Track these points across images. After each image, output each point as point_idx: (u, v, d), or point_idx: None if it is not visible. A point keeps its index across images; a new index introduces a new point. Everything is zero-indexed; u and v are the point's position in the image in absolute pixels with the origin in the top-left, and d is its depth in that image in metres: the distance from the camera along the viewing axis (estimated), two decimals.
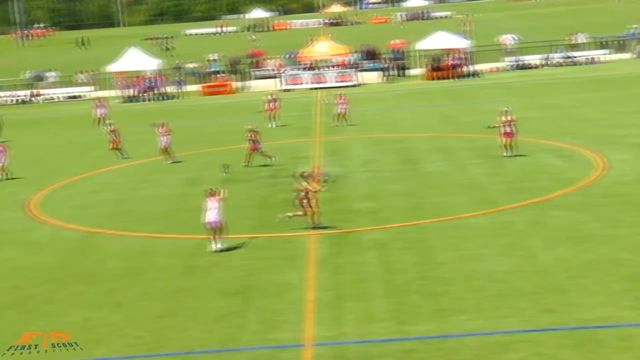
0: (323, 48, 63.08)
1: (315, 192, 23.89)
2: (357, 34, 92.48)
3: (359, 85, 58.38)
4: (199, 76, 64.88)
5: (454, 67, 59.50)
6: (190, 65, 67.88)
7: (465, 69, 59.84)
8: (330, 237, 23.39)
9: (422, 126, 40.53)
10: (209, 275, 20.78)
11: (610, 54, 63.53)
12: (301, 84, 59.18)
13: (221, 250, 22.38)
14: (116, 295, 19.69)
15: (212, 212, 22.43)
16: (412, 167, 31.62)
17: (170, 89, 60.68)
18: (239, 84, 62.26)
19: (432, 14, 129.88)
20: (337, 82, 58.35)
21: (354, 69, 60.32)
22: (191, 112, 52.43)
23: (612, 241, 21.15)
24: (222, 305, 18.64)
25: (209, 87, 61.08)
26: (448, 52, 61.41)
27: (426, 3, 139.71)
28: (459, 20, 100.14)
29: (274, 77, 61.50)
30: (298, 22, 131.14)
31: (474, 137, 36.25)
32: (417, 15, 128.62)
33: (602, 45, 65.49)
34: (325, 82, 58.72)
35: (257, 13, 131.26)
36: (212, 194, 22.73)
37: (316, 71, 60.63)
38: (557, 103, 44.18)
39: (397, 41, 69.75)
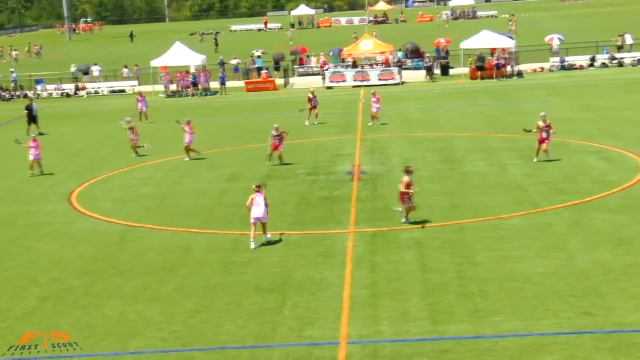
0: (367, 46, 63.03)
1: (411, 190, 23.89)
2: (402, 32, 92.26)
3: (402, 83, 58.24)
4: (242, 72, 65.17)
5: (497, 66, 59.12)
6: (234, 61, 68.18)
7: (509, 68, 59.44)
8: (368, 235, 23.36)
9: (463, 126, 40.33)
10: (245, 271, 20.85)
11: None
12: (344, 81, 59.17)
13: (261, 245, 22.47)
14: (153, 290, 19.84)
15: (258, 207, 22.52)
16: (452, 167, 31.47)
17: (213, 85, 61.00)
18: (282, 80, 62.40)
19: (478, 13, 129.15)
20: (379, 80, 58.28)
21: (397, 67, 60.17)
22: (233, 107, 52.70)
23: None
24: (257, 301, 18.69)
25: (251, 83, 61.32)
26: (492, 51, 61.04)
27: (472, 2, 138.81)
28: (505, 19, 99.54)
29: (317, 74, 61.55)
30: (343, 19, 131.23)
31: (515, 137, 35.97)
32: (463, 14, 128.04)
33: None
34: (368, 80, 58.64)
35: (302, 10, 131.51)
36: (258, 189, 22.79)
37: (359, 69, 60.58)
38: (601, 104, 43.71)
39: (442, 40, 69.46)
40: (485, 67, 59.37)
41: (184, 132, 35.22)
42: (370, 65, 61.61)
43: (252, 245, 22.47)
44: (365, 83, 57.84)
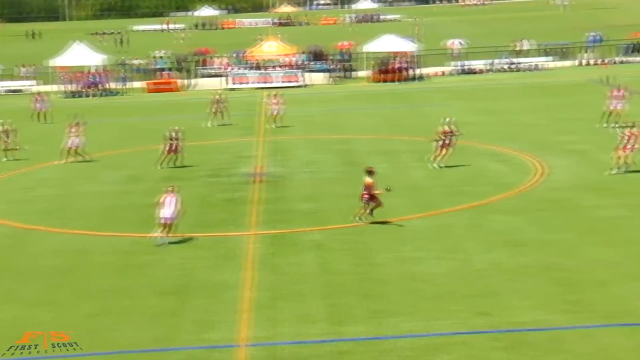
0: (270, 48, 62.98)
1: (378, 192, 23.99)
2: (306, 35, 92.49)
3: (305, 86, 58.39)
4: (144, 73, 64.34)
5: (400, 70, 59.74)
6: (136, 62, 67.27)
7: (411, 72, 60.15)
8: (269, 237, 23.33)
9: (366, 128, 40.64)
10: (145, 274, 20.59)
11: (553, 61, 64.34)
12: (247, 83, 58.97)
13: (161, 245, 22.32)
14: (49, 294, 19.41)
15: (169, 207, 22.45)
16: (353, 169, 31.58)
17: (114, 85, 60.07)
18: (185, 81, 61.87)
19: (382, 17, 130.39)
20: (283, 82, 58.27)
21: (300, 70, 60.29)
22: (134, 108, 51.96)
23: (545, 246, 21.42)
24: (157, 304, 18.49)
25: (153, 84, 60.57)
26: (395, 55, 61.68)
27: (375, 5, 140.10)
28: (409, 23, 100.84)
29: (220, 75, 61.24)
30: (247, 21, 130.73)
31: (416, 140, 36.44)
32: (366, 18, 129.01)
33: (546, 52, 66.30)
34: (272, 82, 58.58)
35: (206, 11, 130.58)
36: (172, 191, 22.77)
37: (262, 71, 60.49)
38: (499, 108, 44.61)
39: (345, 43, 69.90)
40: (388, 70, 59.97)
41: (69, 134, 34.24)
42: (274, 67, 61.59)
43: (158, 242, 22.42)
44: (268, 85, 57.74)
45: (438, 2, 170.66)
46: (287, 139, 38.53)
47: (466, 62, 63.58)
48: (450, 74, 62.26)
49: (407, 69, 60.03)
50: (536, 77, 58.06)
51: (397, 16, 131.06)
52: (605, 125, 35.96)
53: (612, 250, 20.85)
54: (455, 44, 68.04)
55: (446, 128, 30.67)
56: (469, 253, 21.24)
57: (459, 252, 21.30)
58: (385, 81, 58.74)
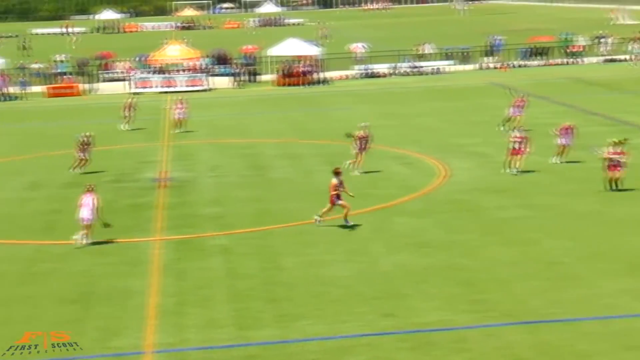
0: (174, 52, 62.42)
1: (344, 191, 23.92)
2: (210, 39, 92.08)
3: (210, 90, 58.10)
4: (44, 77, 63.03)
5: (304, 73, 59.99)
6: (35, 66, 65.86)
7: (315, 76, 60.44)
8: (175, 242, 23.17)
9: (271, 132, 40.68)
10: (48, 282, 20.21)
11: (455, 64, 65.51)
12: (151, 87, 58.31)
13: (84, 246, 22.44)
14: None
15: (85, 208, 22.30)
16: (259, 173, 31.70)
17: (13, 90, 58.67)
18: (87, 86, 60.85)
19: (285, 21, 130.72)
20: (187, 86, 57.88)
21: (204, 74, 59.98)
22: (35, 113, 50.85)
23: (449, 247, 21.81)
24: (60, 313, 18.18)
25: (54, 88, 59.39)
26: (299, 58, 61.90)
27: (279, 9, 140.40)
28: (316, 27, 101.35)
29: (123, 79, 60.44)
30: (149, 24, 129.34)
31: (322, 143, 36.69)
32: (270, 22, 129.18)
33: (448, 56, 67.44)
34: (176, 86, 58.09)
35: (107, 14, 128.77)
36: (89, 190, 22.77)
37: (166, 75, 59.94)
38: (403, 112, 45.18)
39: (249, 47, 69.81)
40: (292, 74, 60.14)
41: None
42: (178, 71, 61.09)
43: (81, 243, 22.49)
44: (172, 89, 57.25)
45: (341, 6, 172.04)
46: (191, 143, 38.29)
47: (370, 66, 64.18)
48: (354, 77, 62.76)
49: (311, 73, 60.30)
50: (438, 81, 59.01)
51: (301, 20, 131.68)
52: (502, 128, 36.72)
53: (512, 250, 21.36)
54: (358, 47, 68.63)
55: (362, 133, 30.81)
56: (375, 255, 21.48)
57: (365, 255, 21.53)
58: (289, 85, 58.88)
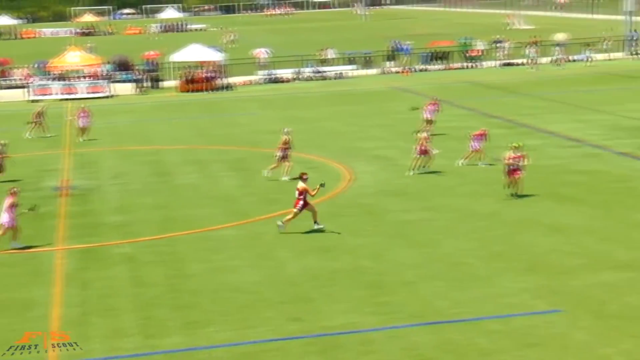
0: (74, 58, 61.33)
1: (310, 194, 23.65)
2: (111, 45, 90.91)
3: (112, 96, 57.32)
4: None
5: (207, 79, 59.72)
6: None
7: (219, 81, 60.23)
8: (78, 252, 22.81)
9: (175, 138, 40.37)
10: None
11: (357, 69, 66.10)
12: (50, 94, 57.20)
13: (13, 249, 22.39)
14: None
15: (6, 212, 22.30)
16: (163, 180, 31.44)
17: None
18: None
19: (188, 26, 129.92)
20: (88, 93, 56.99)
21: (106, 80, 59.14)
22: None
23: (355, 250, 22.02)
24: None
25: None
26: (202, 64, 61.60)
27: (181, 15, 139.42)
28: (221, 32, 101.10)
29: (22, 87, 59.12)
30: (48, 30, 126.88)
31: (227, 149, 36.60)
32: (172, 27, 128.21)
33: (350, 61, 68.01)
34: (76, 92, 57.17)
35: (3, 20, 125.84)
36: (12, 193, 22.83)
37: (66, 82, 58.87)
38: (307, 116, 45.40)
39: (151, 52, 69.11)
40: (196, 79, 59.80)
41: None
42: (79, 77, 60.08)
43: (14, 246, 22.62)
44: (73, 96, 56.31)
45: (244, 11, 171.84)
46: (94, 151, 37.72)
47: (273, 71, 64.31)
48: (258, 82, 62.79)
49: (214, 79, 60.08)
50: (341, 85, 59.48)
51: (204, 25, 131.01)
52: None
53: (416, 252, 21.69)
54: (262, 53, 68.68)
55: (286, 138, 30.64)
56: (281, 260, 21.54)
57: (272, 260, 21.57)
58: (193, 91, 58.54)
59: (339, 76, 64.07)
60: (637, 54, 66.51)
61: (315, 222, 23.82)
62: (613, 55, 67.75)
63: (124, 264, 21.59)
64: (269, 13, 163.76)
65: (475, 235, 22.88)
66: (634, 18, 71.54)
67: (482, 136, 31.08)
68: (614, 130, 37.41)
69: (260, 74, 63.99)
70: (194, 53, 61.54)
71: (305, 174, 24.33)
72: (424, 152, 30.15)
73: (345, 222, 24.63)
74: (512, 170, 26.19)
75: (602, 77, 57.12)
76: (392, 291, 18.98)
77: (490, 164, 30.08)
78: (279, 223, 23.84)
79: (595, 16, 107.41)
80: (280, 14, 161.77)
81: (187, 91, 58.66)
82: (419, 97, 51.35)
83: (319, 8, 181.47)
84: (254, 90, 58.93)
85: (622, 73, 59.06)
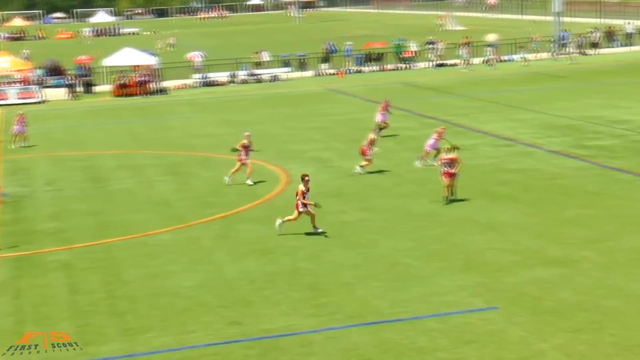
0: (4, 63, 60.33)
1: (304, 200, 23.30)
2: (42, 49, 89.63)
3: (43, 102, 56.52)
4: None
5: (141, 83, 59.23)
6: None
7: (153, 85, 59.76)
8: (11, 260, 22.43)
9: (109, 143, 39.95)
10: None
11: (292, 71, 66.17)
12: None
13: None
14: None
15: None
16: (98, 185, 31.08)
17: None
18: None
19: (121, 30, 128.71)
20: (19, 98, 56.13)
21: (37, 86, 58.28)
22: None
23: (293, 252, 22.02)
24: None
25: None
26: (135, 68, 61.07)
27: (113, 19, 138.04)
28: (160, 36, 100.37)
29: None
30: None
31: (162, 153, 36.34)
32: (105, 31, 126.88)
33: (285, 63, 68.05)
34: (7, 99, 56.28)
35: None
36: None
37: None
38: (242, 119, 45.25)
39: (83, 57, 68.35)
40: (129, 84, 59.26)
41: None
42: (9, 83, 59.09)
43: None
44: (3, 102, 55.40)
45: (177, 15, 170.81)
46: (27, 157, 37.14)
47: (208, 75, 64.06)
48: (193, 86, 62.49)
49: (148, 83, 59.61)
50: (276, 88, 59.48)
51: (136, 29, 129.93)
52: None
53: (355, 253, 21.77)
54: (196, 56, 68.36)
55: (245, 142, 30.18)
56: (219, 264, 21.46)
57: (209, 264, 21.47)
58: (127, 95, 58.00)
59: (274, 79, 64.06)
60: (568, 54, 67.55)
61: (313, 225, 23.51)
62: (544, 55, 68.81)
63: (59, 272, 21.29)
64: (202, 16, 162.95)
65: (412, 235, 23.06)
66: (564, 19, 72.77)
67: (440, 135, 30.87)
68: (544, 129, 38.04)
69: (195, 78, 63.68)
70: (127, 57, 61.03)
71: (307, 175, 24.06)
72: (364, 152, 30.15)
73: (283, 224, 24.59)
74: (447, 172, 25.89)
75: (532, 77, 58.06)
76: (330, 292, 19.03)
77: (432, 165, 30.09)
78: (279, 221, 23.57)
79: (524, 17, 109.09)
80: (214, 17, 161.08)
81: (121, 96, 58.11)
82: (354, 98, 51.71)
83: (253, 11, 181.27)
84: (189, 94, 58.62)
85: (552, 73, 60.11)
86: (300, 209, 23.46)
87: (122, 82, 59.34)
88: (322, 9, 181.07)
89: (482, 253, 21.28)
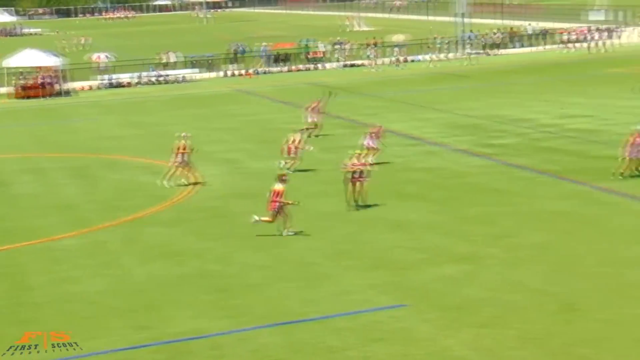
0: None
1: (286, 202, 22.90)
2: None
3: None
4: None
5: (44, 85, 58.00)
6: None
7: (57, 87, 58.57)
8: None
9: (11, 146, 38.99)
10: None
11: (200, 72, 65.69)
12: None
13: None
14: None
15: None
16: (0, 190, 30.32)
17: None
18: None
19: (23, 30, 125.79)
20: None
21: None
22: None
23: (202, 254, 21.86)
24: None
25: None
26: (38, 69, 59.77)
27: (14, 19, 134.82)
28: (70, 36, 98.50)
29: None
30: None
31: (67, 156, 35.65)
32: (5, 32, 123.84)
33: (193, 64, 67.50)
34: None
35: None
36: None
37: None
38: (149, 121, 44.75)
39: None
40: (32, 85, 57.97)
41: None
42: None
43: None
44: None
45: (81, 15, 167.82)
46: None
47: (114, 76, 63.14)
48: (98, 88, 61.49)
49: (52, 84, 58.40)
50: (184, 89, 58.98)
51: (39, 30, 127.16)
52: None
53: (264, 254, 21.71)
54: (101, 57, 67.26)
55: (183, 143, 29.55)
56: (127, 268, 21.15)
57: (116, 268, 21.14)
58: (29, 97, 56.70)
59: (182, 80, 63.49)
60: (468, 55, 68.57)
61: (285, 228, 23.15)
62: (449, 55, 69.78)
63: None
64: (108, 17, 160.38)
65: (321, 235, 23.10)
66: (467, 20, 73.96)
67: (377, 133, 30.89)
68: (450, 128, 38.61)
69: (100, 79, 62.70)
70: (29, 58, 59.59)
71: (285, 175, 23.84)
72: (290, 152, 29.97)
73: (191, 227, 24.43)
74: (355, 178, 25.46)
75: (438, 77, 58.87)
76: (240, 294, 18.93)
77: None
78: (255, 218, 23.15)
79: (430, 18, 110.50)
80: (120, 18, 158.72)
81: (23, 97, 56.77)
82: (263, 99, 51.64)
83: (160, 11, 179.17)
84: (95, 96, 57.68)
85: (457, 72, 61.04)
86: (277, 211, 23.08)
87: (23, 83, 58.01)
88: (231, 9, 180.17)
89: (391, 251, 21.47)
